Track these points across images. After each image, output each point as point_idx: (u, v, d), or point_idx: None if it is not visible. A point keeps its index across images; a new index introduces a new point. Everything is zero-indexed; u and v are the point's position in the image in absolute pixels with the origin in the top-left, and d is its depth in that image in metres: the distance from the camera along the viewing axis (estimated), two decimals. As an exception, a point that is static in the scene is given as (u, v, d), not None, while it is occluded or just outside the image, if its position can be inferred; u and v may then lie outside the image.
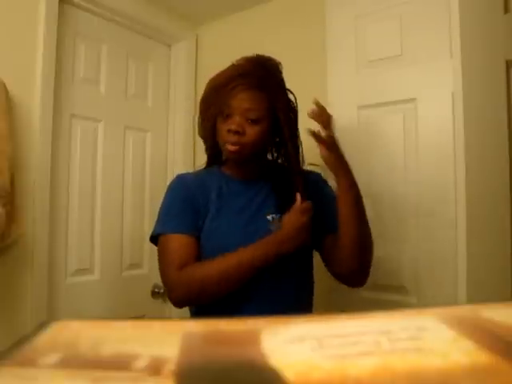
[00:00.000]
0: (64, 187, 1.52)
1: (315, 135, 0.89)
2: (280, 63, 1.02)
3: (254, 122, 0.94)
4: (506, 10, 1.12)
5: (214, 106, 0.96)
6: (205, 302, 0.94)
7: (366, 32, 1.48)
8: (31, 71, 1.38)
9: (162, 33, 1.86)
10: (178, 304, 0.95)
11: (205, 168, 1.09)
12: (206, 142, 1.05)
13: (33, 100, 1.38)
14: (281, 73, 1.02)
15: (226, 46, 1.80)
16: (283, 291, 0.97)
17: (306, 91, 1.65)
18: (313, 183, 1.07)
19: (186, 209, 0.97)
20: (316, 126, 0.90)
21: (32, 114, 1.37)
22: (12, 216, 1.21)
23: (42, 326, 0.20)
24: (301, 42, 1.65)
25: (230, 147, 0.94)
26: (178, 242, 0.94)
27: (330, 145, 0.92)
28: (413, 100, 1.37)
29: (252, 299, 0.93)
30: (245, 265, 0.88)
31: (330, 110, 1.53)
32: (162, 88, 1.91)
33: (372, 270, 1.42)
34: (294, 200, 0.95)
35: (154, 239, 1.00)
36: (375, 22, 1.46)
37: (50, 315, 1.39)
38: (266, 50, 1.75)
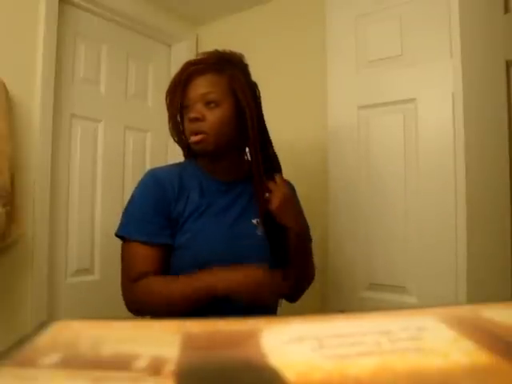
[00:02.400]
0: (64, 187, 1.52)
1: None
2: (243, 55, 0.96)
3: (214, 106, 0.89)
4: (506, 10, 1.12)
5: (174, 102, 0.93)
6: (159, 316, 0.86)
7: (366, 32, 1.48)
8: (31, 71, 1.38)
9: (162, 33, 1.86)
10: (133, 313, 0.89)
11: (180, 163, 1.03)
12: (179, 144, 1.00)
13: (33, 100, 1.38)
14: (244, 63, 0.96)
15: (225, 46, 1.80)
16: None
17: (306, 91, 1.66)
18: None
19: (157, 213, 0.89)
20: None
21: (32, 114, 1.37)
22: (12, 216, 1.21)
23: (42, 325, 0.20)
24: (301, 42, 1.65)
25: (193, 138, 0.90)
26: (140, 252, 0.88)
27: (280, 209, 0.92)
28: (413, 100, 1.37)
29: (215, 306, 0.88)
30: (204, 292, 0.82)
31: (330, 110, 1.54)
32: (162, 88, 1.88)
33: (372, 269, 1.43)
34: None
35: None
36: (375, 22, 1.46)
37: (50, 315, 1.39)
38: (266, 50, 1.76)
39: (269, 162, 0.96)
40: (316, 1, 1.60)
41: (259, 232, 0.95)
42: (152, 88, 1.86)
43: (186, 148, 1.00)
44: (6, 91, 1.24)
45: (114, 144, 1.70)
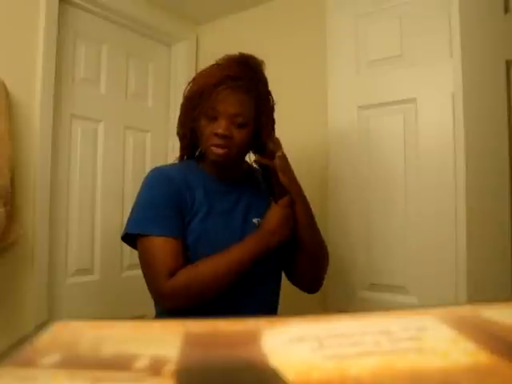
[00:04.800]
0: (64, 187, 1.52)
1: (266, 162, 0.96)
2: (263, 62, 0.98)
3: (241, 126, 0.92)
4: (506, 10, 1.12)
5: (200, 107, 0.93)
6: (203, 303, 0.89)
7: (366, 32, 1.48)
8: (31, 71, 1.38)
9: (162, 33, 1.86)
10: (171, 308, 0.90)
11: (183, 163, 1.03)
12: (182, 141, 1.01)
13: (33, 100, 1.38)
14: (264, 73, 0.99)
15: (226, 46, 1.80)
16: (258, 296, 0.96)
17: (306, 91, 1.66)
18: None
19: (172, 207, 0.91)
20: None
21: (32, 114, 1.37)
22: (12, 216, 1.22)
23: (41, 325, 0.20)
24: (301, 42, 1.65)
25: (217, 150, 0.91)
26: (166, 247, 0.88)
27: (283, 166, 0.96)
28: (413, 100, 1.37)
29: (223, 306, 0.91)
30: (237, 261, 0.87)
31: (330, 110, 1.54)
32: (162, 88, 1.90)
33: (372, 269, 1.43)
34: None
35: (128, 237, 0.93)
36: (375, 23, 1.46)
37: (50, 315, 1.39)
38: (266, 50, 1.75)
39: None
40: (316, 1, 1.60)
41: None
42: (152, 88, 1.86)
43: (189, 151, 1.02)
44: (6, 91, 1.24)
45: (114, 144, 1.70)
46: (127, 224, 0.94)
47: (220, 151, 0.91)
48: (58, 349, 0.17)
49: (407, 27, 1.39)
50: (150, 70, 1.86)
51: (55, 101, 1.44)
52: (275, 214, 0.94)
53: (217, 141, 0.91)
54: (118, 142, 1.71)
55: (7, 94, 1.24)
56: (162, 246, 0.88)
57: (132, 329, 0.20)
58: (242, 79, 0.92)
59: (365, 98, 1.47)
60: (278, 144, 0.98)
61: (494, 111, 1.12)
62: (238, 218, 0.96)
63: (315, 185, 1.53)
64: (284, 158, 0.97)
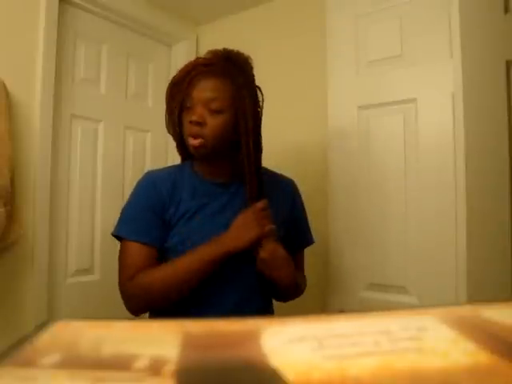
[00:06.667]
0: (64, 187, 1.52)
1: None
2: (250, 57, 0.96)
3: (217, 112, 0.88)
4: (506, 10, 1.12)
5: (176, 98, 0.92)
6: (162, 305, 0.89)
7: (366, 32, 1.48)
8: (31, 71, 1.38)
9: (162, 33, 1.86)
10: (135, 313, 0.90)
11: (177, 165, 1.04)
12: (174, 138, 1.00)
13: (33, 100, 1.38)
14: (250, 66, 0.95)
15: (225, 46, 1.80)
16: (241, 294, 0.93)
17: (306, 91, 1.66)
18: (283, 189, 1.05)
19: (152, 215, 0.91)
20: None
21: (32, 114, 1.37)
22: (12, 216, 1.21)
23: (41, 325, 0.20)
24: (301, 42, 1.65)
25: (192, 141, 0.89)
26: (135, 251, 0.89)
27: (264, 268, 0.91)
28: (413, 100, 1.37)
29: (205, 303, 0.90)
30: (191, 266, 0.85)
31: (330, 110, 1.54)
32: (162, 88, 1.88)
33: (372, 269, 1.43)
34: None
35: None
36: (375, 23, 1.46)
37: (50, 315, 1.39)
38: (266, 50, 1.76)
39: (259, 166, 0.95)
40: (316, 1, 1.60)
41: None
42: (152, 88, 1.86)
43: (184, 148, 1.00)
44: (6, 91, 1.24)
45: (114, 144, 1.70)
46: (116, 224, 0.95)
47: (194, 142, 0.89)
48: (58, 349, 0.17)
49: (407, 27, 1.39)
50: (150, 70, 1.86)
51: (55, 101, 1.44)
52: (241, 219, 0.89)
53: (191, 129, 0.89)
54: (118, 141, 1.71)
55: (7, 93, 1.24)
56: (131, 250, 0.90)
57: (132, 329, 0.20)
58: (214, 64, 0.90)
59: (365, 98, 1.47)
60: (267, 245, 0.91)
61: (493, 111, 1.12)
62: (227, 219, 0.92)
63: (315, 185, 1.53)
64: (267, 259, 0.90)
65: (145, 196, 0.94)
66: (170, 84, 0.95)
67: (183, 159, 1.03)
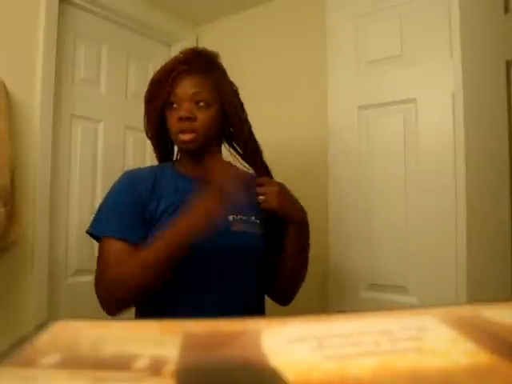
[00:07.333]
0: (64, 187, 1.52)
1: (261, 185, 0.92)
2: (218, 53, 0.98)
3: (204, 106, 0.89)
4: (506, 10, 1.12)
5: (158, 97, 0.91)
6: (136, 300, 0.86)
7: (366, 32, 1.48)
8: (31, 71, 1.38)
9: (162, 33, 1.86)
10: (111, 310, 0.86)
11: (158, 165, 1.02)
12: (153, 140, 0.98)
13: (33, 100, 1.38)
14: (218, 61, 0.97)
15: (226, 46, 1.80)
16: (227, 294, 0.90)
17: (306, 91, 1.66)
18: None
19: (130, 212, 0.89)
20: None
21: (32, 114, 1.37)
22: (12, 216, 1.21)
23: (41, 325, 0.20)
24: (301, 42, 1.65)
25: (184, 136, 0.88)
26: (113, 249, 0.85)
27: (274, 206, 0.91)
28: (413, 100, 1.37)
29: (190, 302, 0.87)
30: (156, 255, 0.80)
31: (330, 110, 1.54)
32: (162, 88, 1.90)
33: (372, 269, 1.43)
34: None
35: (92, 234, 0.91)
36: (375, 22, 1.46)
37: (50, 315, 1.39)
38: (265, 50, 1.76)
39: (254, 155, 0.97)
40: (316, 1, 1.60)
41: (234, 227, 0.92)
42: (152, 88, 1.86)
43: (162, 150, 1.00)
44: (6, 91, 1.24)
45: (114, 144, 1.70)
46: (90, 222, 0.92)
47: (186, 137, 0.88)
48: (57, 349, 0.17)
49: (407, 27, 1.39)
50: (150, 70, 1.86)
51: (55, 101, 1.44)
52: (199, 199, 0.82)
53: (181, 125, 0.89)
54: (118, 141, 1.71)
55: (7, 93, 1.24)
56: (109, 248, 0.86)
57: (132, 329, 0.20)
58: (194, 62, 0.91)
59: (365, 98, 1.47)
60: (265, 182, 0.93)
61: (493, 111, 1.12)
62: None
63: (315, 185, 1.53)
64: (274, 184, 0.93)
65: (124, 194, 0.92)
66: (150, 85, 0.95)
67: (160, 161, 1.02)
